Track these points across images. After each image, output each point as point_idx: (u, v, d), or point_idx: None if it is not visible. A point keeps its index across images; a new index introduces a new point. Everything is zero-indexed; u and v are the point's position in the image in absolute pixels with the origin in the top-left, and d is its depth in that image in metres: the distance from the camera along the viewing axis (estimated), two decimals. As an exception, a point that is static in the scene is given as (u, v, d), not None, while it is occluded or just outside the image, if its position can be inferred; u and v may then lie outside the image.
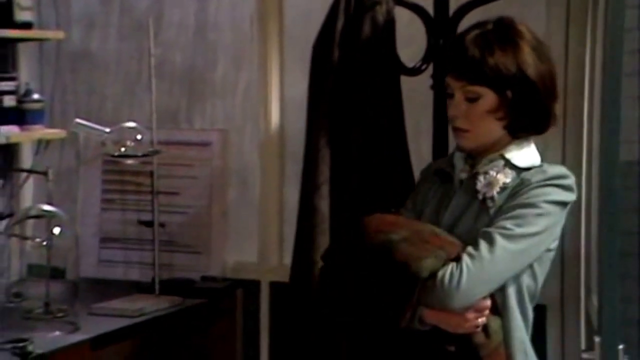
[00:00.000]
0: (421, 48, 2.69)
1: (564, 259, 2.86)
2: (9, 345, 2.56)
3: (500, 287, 2.06)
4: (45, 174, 3.06)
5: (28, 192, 3.56)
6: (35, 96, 3.32)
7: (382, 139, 2.64)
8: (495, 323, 2.06)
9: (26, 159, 3.53)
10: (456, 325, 2.02)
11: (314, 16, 2.78)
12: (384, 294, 2.02)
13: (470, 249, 2.02)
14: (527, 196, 2.05)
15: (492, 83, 2.07)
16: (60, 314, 2.89)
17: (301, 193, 2.71)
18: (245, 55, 3.33)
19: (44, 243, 2.95)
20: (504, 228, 2.02)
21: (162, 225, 3.21)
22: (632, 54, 2.68)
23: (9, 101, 3.26)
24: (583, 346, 2.80)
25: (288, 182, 3.23)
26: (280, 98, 3.27)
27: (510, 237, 2.02)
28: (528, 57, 2.08)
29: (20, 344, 2.55)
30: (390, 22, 2.66)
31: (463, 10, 2.62)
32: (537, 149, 2.18)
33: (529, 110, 2.10)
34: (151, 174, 3.17)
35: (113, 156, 3.07)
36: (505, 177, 2.10)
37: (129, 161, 3.09)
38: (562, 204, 2.08)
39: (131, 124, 3.05)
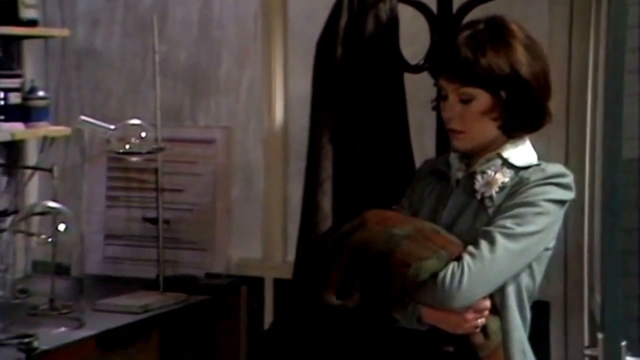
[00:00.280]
0: (424, 45, 2.69)
1: (567, 256, 2.86)
2: (15, 341, 2.57)
3: (499, 287, 2.05)
4: (50, 171, 3.06)
5: (33, 189, 3.57)
6: (40, 93, 3.33)
7: (386, 137, 2.65)
8: (495, 324, 2.05)
9: (31, 156, 3.54)
10: (455, 326, 2.01)
11: (318, 13, 2.79)
12: (380, 286, 2.01)
13: (471, 248, 2.01)
14: (526, 195, 2.05)
15: (486, 84, 2.06)
16: (65, 310, 2.90)
17: (304, 190, 2.72)
18: (249, 53, 3.34)
19: (49, 240, 2.96)
20: (504, 227, 2.02)
21: (166, 222, 3.22)
22: (633, 51, 2.68)
23: (14, 98, 3.27)
24: (586, 343, 2.81)
25: (292, 179, 3.23)
26: (284, 95, 3.27)
27: (510, 236, 2.01)
28: (521, 57, 2.06)
29: (26, 340, 2.56)
30: (394, 19, 2.66)
31: (466, 8, 2.62)
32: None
33: (524, 109, 2.09)
34: (155, 171, 3.18)
35: (118, 153, 3.08)
36: (503, 177, 2.10)
37: (134, 158, 3.10)
38: (561, 202, 2.07)
39: (136, 121, 3.06)
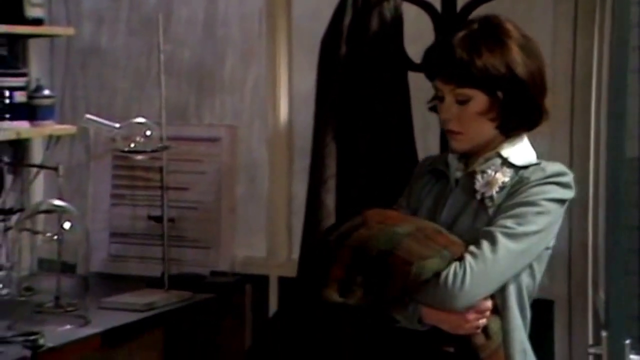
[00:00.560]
0: (428, 44, 2.68)
1: (572, 254, 2.86)
2: (20, 339, 2.58)
3: (500, 287, 2.04)
4: (55, 169, 3.07)
5: (39, 187, 3.58)
6: (46, 92, 3.34)
7: (390, 135, 2.65)
8: (496, 324, 2.04)
9: (37, 155, 3.55)
10: (456, 326, 2.00)
11: (322, 12, 2.79)
12: (381, 284, 2.01)
13: (472, 248, 2.00)
14: (526, 194, 2.04)
15: (482, 84, 2.05)
16: (70, 308, 2.91)
17: (308, 187, 2.72)
18: (253, 51, 3.34)
19: (55, 238, 2.97)
20: (505, 227, 2.01)
21: (171, 220, 3.22)
22: (633, 50, 2.67)
23: (20, 97, 3.28)
24: (590, 341, 2.80)
25: (296, 177, 3.23)
26: (288, 94, 3.27)
27: (512, 236, 2.00)
28: (517, 56, 2.05)
29: (31, 337, 2.57)
30: (398, 18, 2.66)
31: (470, 6, 2.62)
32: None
33: (521, 108, 2.08)
34: (160, 169, 3.18)
35: (123, 151, 3.08)
36: (504, 176, 2.09)
37: (139, 157, 3.10)
38: (561, 201, 2.07)
39: (141, 120, 3.07)
